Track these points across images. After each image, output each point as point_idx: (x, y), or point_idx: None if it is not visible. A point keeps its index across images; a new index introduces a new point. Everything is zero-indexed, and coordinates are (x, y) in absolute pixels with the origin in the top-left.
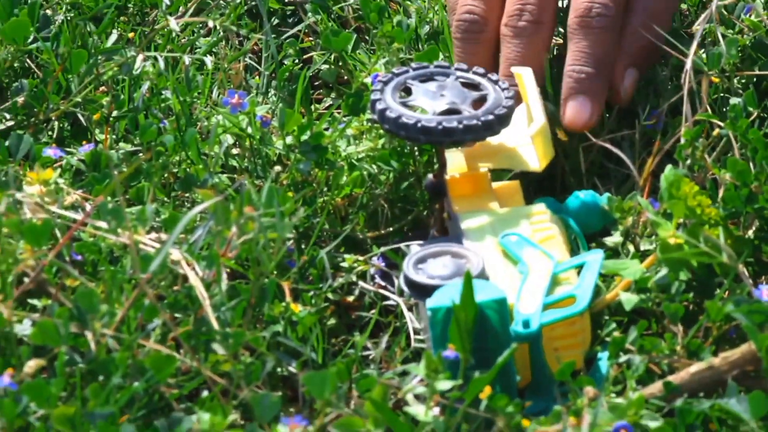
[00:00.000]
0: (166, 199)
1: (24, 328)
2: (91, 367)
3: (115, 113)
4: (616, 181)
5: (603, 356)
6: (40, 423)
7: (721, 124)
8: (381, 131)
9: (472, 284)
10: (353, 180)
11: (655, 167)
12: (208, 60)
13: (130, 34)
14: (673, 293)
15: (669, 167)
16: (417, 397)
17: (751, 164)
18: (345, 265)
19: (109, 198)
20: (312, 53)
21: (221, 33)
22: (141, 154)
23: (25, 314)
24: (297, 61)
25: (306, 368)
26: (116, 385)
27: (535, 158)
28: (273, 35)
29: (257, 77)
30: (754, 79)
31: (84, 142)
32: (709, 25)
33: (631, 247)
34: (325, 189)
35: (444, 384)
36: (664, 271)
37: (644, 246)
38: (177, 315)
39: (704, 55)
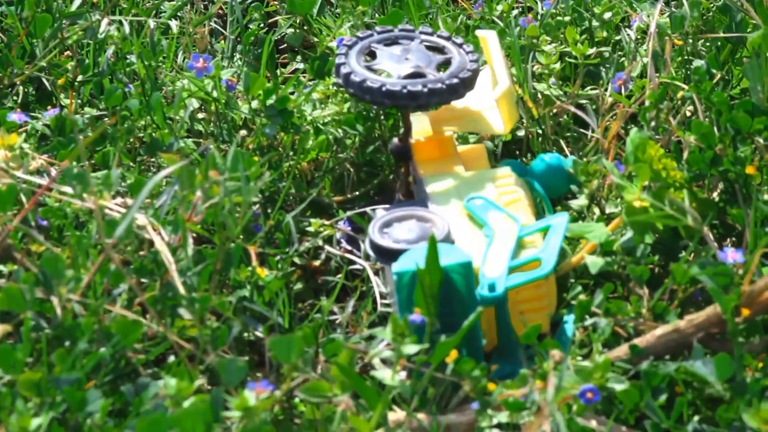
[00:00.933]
0: (131, 163)
1: None
2: (57, 333)
3: (80, 78)
4: (581, 144)
5: (569, 319)
6: (5, 388)
7: (685, 86)
8: (347, 95)
9: (437, 248)
10: (319, 144)
11: (619, 130)
12: (173, 24)
13: None
14: (639, 256)
15: (635, 130)
16: (384, 361)
17: (714, 127)
18: (311, 229)
19: (74, 163)
20: (277, 17)
21: None
22: (106, 119)
23: None
24: (262, 25)
25: (272, 333)
26: (82, 350)
27: (500, 121)
28: None
29: (222, 41)
30: (718, 42)
31: (49, 107)
32: None
33: (597, 210)
34: (291, 153)
35: (410, 348)
36: (629, 234)
37: (609, 209)
38: (143, 280)
39: (668, 18)
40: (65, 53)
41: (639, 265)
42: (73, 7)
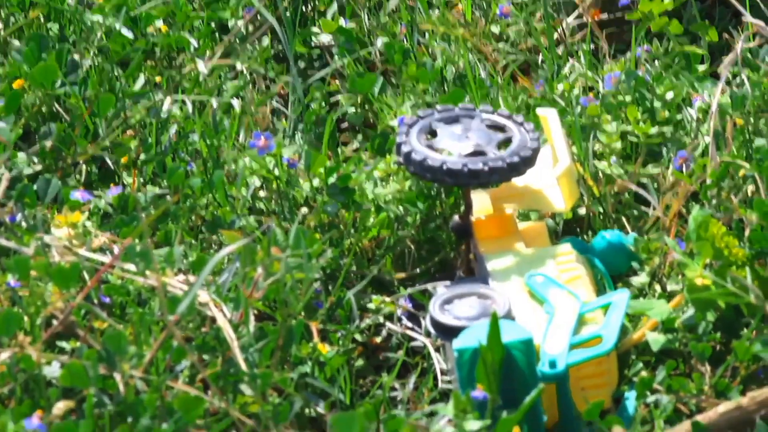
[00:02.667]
0: (193, 241)
1: (53, 370)
2: (120, 409)
3: (142, 156)
4: (642, 222)
5: (630, 396)
6: None
7: (747, 165)
8: (408, 173)
9: (498, 325)
10: (380, 222)
11: (680, 208)
12: (235, 103)
13: (158, 78)
14: (701, 333)
15: (697, 208)
16: None
17: None
18: (372, 306)
19: (136, 240)
20: (338, 96)
21: (248, 76)
22: (168, 197)
23: (54, 356)
24: (324, 104)
25: (334, 409)
26: (145, 426)
27: (561, 199)
28: (300, 79)
29: (284, 120)
30: None
31: (111, 185)
32: (733, 68)
33: (658, 288)
34: (352, 231)
35: (472, 424)
36: (691, 311)
37: (671, 286)
38: (205, 356)
39: (729, 98)
40: (128, 132)
41: (701, 342)
42: (136, 87)
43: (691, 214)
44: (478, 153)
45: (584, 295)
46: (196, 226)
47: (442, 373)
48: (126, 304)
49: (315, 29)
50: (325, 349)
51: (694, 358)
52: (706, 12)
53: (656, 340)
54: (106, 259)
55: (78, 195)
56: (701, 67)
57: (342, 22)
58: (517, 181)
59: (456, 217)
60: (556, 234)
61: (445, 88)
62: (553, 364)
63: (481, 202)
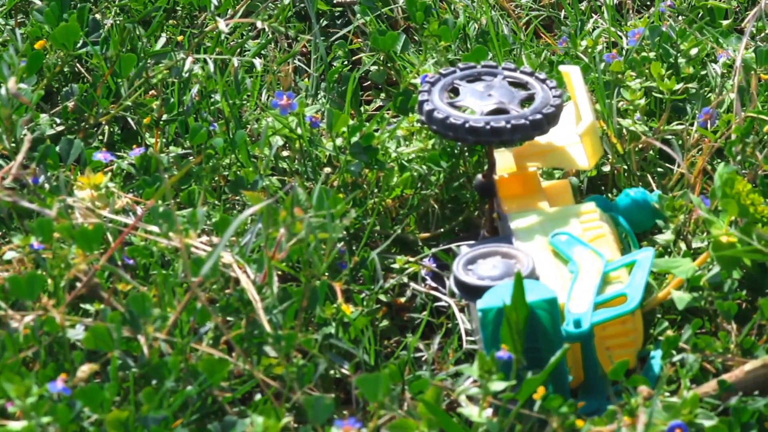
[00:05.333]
0: (216, 202)
1: (77, 333)
2: (144, 372)
3: (164, 117)
4: (666, 179)
5: (656, 355)
6: (93, 428)
7: None
8: (431, 132)
9: (522, 284)
10: (404, 181)
11: (705, 165)
12: (257, 62)
13: (179, 37)
14: (726, 291)
15: (722, 165)
16: (470, 398)
17: None
18: (396, 266)
19: (160, 202)
20: (361, 54)
21: (270, 35)
22: (191, 158)
23: (78, 319)
24: (346, 62)
25: (359, 370)
26: (169, 389)
27: (584, 157)
28: (322, 37)
29: (306, 79)
30: None
31: (134, 146)
32: (758, 23)
33: (683, 245)
34: (376, 190)
35: (497, 385)
36: (716, 269)
37: (696, 244)
38: (229, 318)
39: (753, 53)
40: (150, 92)
41: (726, 301)
42: (158, 47)
43: (716, 171)
44: (500, 111)
45: (608, 253)
46: (219, 187)
47: (467, 333)
48: (149, 265)
49: None
50: (349, 310)
51: (720, 317)
52: None
53: (681, 298)
54: (130, 220)
55: (100, 156)
56: (725, 22)
57: None
58: (541, 139)
59: (479, 176)
60: (581, 192)
61: (468, 45)
62: (577, 324)
63: (504, 160)
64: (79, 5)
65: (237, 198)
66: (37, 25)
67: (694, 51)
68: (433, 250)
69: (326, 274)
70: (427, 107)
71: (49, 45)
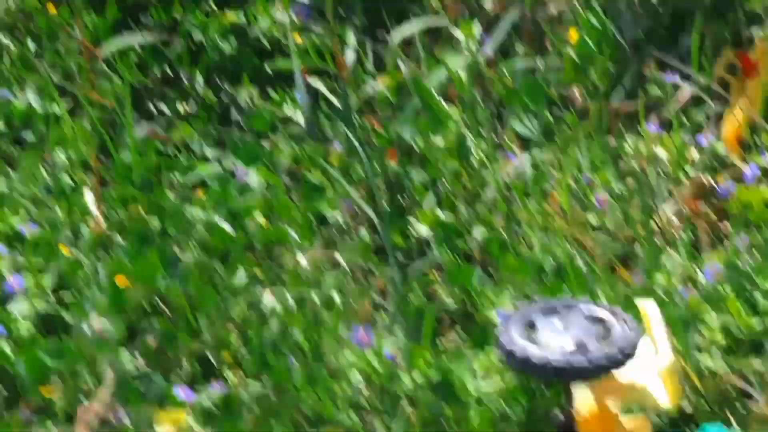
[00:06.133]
0: None
1: None
2: None
3: (243, 351)
4: (746, 417)
5: None
6: None
7: None
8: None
9: None
10: (483, 419)
11: None
12: (336, 296)
13: (257, 271)
14: None
15: None
16: None
17: None
18: None
19: None
20: (437, 288)
21: (348, 269)
22: (270, 394)
23: None
24: (422, 295)
25: None
26: None
27: (665, 395)
28: (398, 270)
29: (383, 313)
30: None
31: (213, 380)
32: None
33: None
34: (455, 426)
35: None
36: None
37: None
38: None
39: None
40: (229, 326)
41: None
42: (236, 281)
43: None
44: (578, 347)
45: None
46: (298, 423)
47: None
48: None
49: (412, 219)
50: None
51: None
52: None
53: None
54: None
55: (181, 392)
56: None
57: (439, 213)
58: (620, 376)
59: (558, 412)
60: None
61: (543, 279)
62: None
63: (583, 395)
64: (158, 241)
65: None
66: (118, 260)
67: None
68: None
69: None
70: (506, 345)
71: (130, 280)
